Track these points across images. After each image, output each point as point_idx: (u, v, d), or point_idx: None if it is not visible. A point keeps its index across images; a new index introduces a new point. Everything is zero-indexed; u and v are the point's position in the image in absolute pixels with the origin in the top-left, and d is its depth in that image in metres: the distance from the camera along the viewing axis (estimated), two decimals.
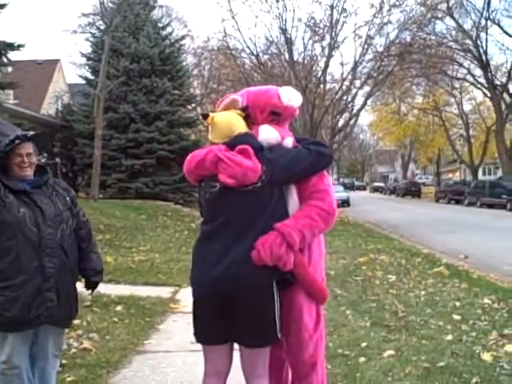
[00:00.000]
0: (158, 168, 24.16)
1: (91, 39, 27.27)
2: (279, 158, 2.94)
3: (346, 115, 34.07)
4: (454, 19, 36.48)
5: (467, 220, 23.22)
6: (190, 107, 30.56)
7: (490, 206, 31.94)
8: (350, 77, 30.48)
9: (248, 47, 31.43)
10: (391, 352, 5.03)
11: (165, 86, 24.72)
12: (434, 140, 54.30)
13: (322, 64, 30.67)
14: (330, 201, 3.03)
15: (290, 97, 3.14)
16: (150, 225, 16.54)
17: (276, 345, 3.03)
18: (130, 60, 24.59)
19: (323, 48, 29.82)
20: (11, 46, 16.52)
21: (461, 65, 40.36)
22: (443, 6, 34.69)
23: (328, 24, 28.96)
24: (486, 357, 4.86)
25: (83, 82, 27.50)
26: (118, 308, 6.70)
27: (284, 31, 29.51)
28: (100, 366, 4.71)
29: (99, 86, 21.60)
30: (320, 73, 30.62)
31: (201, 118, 3.01)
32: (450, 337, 5.53)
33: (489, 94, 39.37)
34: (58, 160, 24.98)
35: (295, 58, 30.60)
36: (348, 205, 37.17)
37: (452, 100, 49.84)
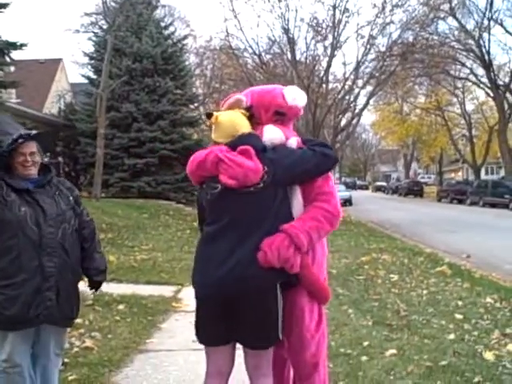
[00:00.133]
0: (160, 167, 24.19)
1: (94, 38, 27.32)
2: (283, 158, 2.91)
3: (348, 115, 34.09)
4: (457, 19, 36.43)
5: (469, 219, 23.19)
6: (192, 107, 30.60)
7: (493, 205, 31.91)
8: (352, 76, 30.45)
9: (250, 47, 31.44)
10: (393, 351, 5.03)
11: (167, 85, 24.75)
12: (437, 139, 54.26)
13: (324, 64, 30.66)
14: (335, 203, 3.02)
15: (295, 96, 3.12)
16: (152, 224, 16.56)
17: (278, 344, 3.02)
18: (132, 59, 24.62)
19: (325, 48, 29.82)
20: (14, 45, 16.55)
21: (463, 64, 40.31)
22: (446, 6, 34.65)
23: (330, 24, 28.94)
24: (489, 356, 4.86)
25: (86, 81, 27.55)
26: (120, 307, 6.70)
27: (286, 31, 29.50)
28: (102, 365, 4.71)
29: (102, 86, 21.62)
30: (322, 72, 30.60)
31: (205, 117, 2.99)
32: (452, 336, 5.53)
33: (491, 94, 39.32)
34: (60, 159, 25.03)
35: (297, 58, 30.60)
36: (350, 204, 37.14)
37: (454, 100, 49.77)
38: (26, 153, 3.24)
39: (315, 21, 29.46)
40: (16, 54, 17.74)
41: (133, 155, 23.88)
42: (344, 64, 32.16)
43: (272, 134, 2.99)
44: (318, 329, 3.10)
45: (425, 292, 7.72)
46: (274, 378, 3.11)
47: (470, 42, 37.54)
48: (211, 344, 3.00)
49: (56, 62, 38.46)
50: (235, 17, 29.85)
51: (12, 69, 21.69)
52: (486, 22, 36.24)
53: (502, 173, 42.55)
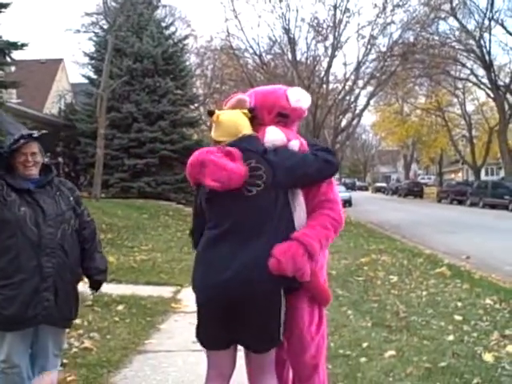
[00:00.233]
0: (160, 168, 24.19)
1: (94, 39, 27.33)
2: (284, 160, 2.88)
3: (348, 115, 34.15)
4: (458, 19, 36.43)
5: (469, 220, 23.19)
6: (192, 107, 30.62)
7: (493, 206, 31.92)
8: (352, 77, 30.51)
9: (251, 47, 31.49)
10: (392, 352, 5.03)
11: (168, 85, 24.76)
12: (437, 140, 54.25)
13: (324, 64, 30.73)
14: (339, 210, 3.03)
15: (299, 98, 3.07)
16: (151, 224, 16.57)
17: (278, 346, 3.02)
18: (133, 59, 24.63)
19: (326, 48, 29.89)
20: (14, 45, 16.53)
21: (464, 65, 40.30)
22: (447, 7, 34.67)
23: (331, 24, 28.98)
24: (488, 357, 4.86)
25: (86, 81, 27.56)
26: (120, 307, 6.70)
27: (287, 31, 29.55)
28: (101, 366, 4.71)
29: (102, 86, 21.63)
30: (323, 73, 30.64)
31: (206, 114, 2.96)
32: (451, 337, 5.53)
33: (492, 95, 39.31)
34: (60, 160, 25.03)
35: (298, 58, 30.65)
36: (350, 205, 37.12)
37: (455, 100, 49.77)
38: (28, 153, 3.24)
39: (316, 21, 29.55)
40: (17, 54, 17.74)
41: (133, 155, 23.89)
42: (345, 64, 32.29)
43: (274, 135, 2.95)
44: (318, 331, 3.10)
45: (424, 293, 7.72)
46: None
47: (471, 42, 37.55)
48: (213, 348, 2.98)
49: (57, 62, 38.49)
50: (236, 17, 29.94)
51: (13, 69, 21.70)
52: (486, 22, 36.25)
53: (502, 174, 42.54)
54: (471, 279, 8.86)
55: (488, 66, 37.36)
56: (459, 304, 7.02)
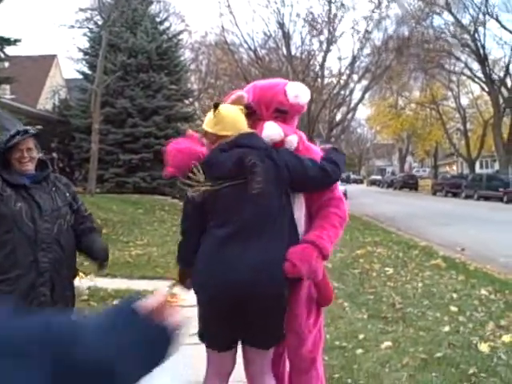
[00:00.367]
0: (155, 162, 24.09)
1: (88, 34, 27.18)
2: (284, 158, 2.86)
3: (343, 109, 34.20)
4: (452, 14, 36.46)
5: (464, 213, 23.25)
6: (187, 102, 30.55)
7: (487, 198, 32.03)
8: (347, 71, 30.57)
9: (246, 42, 31.57)
10: (388, 343, 5.05)
11: (162, 80, 24.70)
12: (432, 133, 54.31)
13: (319, 58, 30.79)
14: (344, 208, 3.07)
15: (297, 93, 3.03)
16: (147, 219, 16.55)
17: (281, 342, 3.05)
18: (127, 55, 24.55)
19: (321, 42, 29.94)
20: (8, 41, 16.49)
21: (458, 59, 40.35)
22: (441, 1, 34.74)
23: (326, 19, 29.04)
24: (483, 347, 4.88)
25: (80, 76, 27.45)
26: (115, 302, 6.70)
27: (282, 26, 29.57)
28: None
29: (96, 81, 21.56)
30: (318, 67, 30.71)
31: (213, 107, 2.92)
32: (447, 328, 5.55)
33: (486, 88, 39.40)
34: (54, 155, 24.97)
35: (293, 53, 30.65)
36: (345, 198, 37.10)
37: (449, 94, 49.79)
38: (24, 149, 3.23)
39: (311, 16, 29.56)
40: (10, 50, 17.70)
41: (128, 151, 23.84)
42: (339, 59, 32.31)
43: (270, 130, 2.92)
44: (315, 325, 3.11)
45: (420, 285, 7.74)
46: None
47: (466, 36, 37.59)
48: (215, 346, 2.96)
49: (50, 58, 38.33)
50: (230, 12, 30.06)
51: (6, 64, 21.60)
52: (481, 16, 36.36)
53: (497, 166, 42.67)
54: (466, 271, 8.90)
55: (482, 59, 37.43)
56: (455, 295, 7.05)
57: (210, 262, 2.85)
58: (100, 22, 25.55)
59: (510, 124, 39.31)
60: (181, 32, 31.29)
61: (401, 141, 71.90)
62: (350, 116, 34.58)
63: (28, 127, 3.36)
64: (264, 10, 44.19)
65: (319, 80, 30.66)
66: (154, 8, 30.09)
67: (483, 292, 7.17)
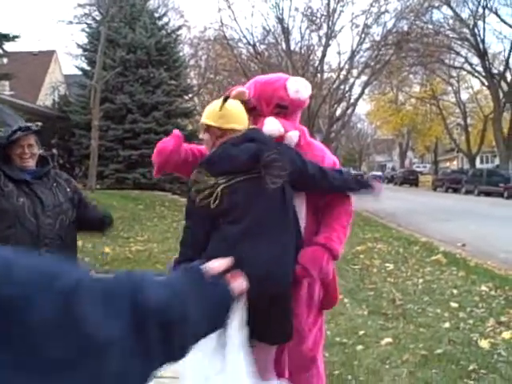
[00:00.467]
0: None
1: (87, 30, 27.16)
2: (287, 155, 2.81)
3: (343, 104, 34.11)
4: (452, 8, 36.39)
5: (464, 208, 23.24)
6: (186, 97, 30.51)
7: (488, 194, 32.01)
8: (347, 66, 30.49)
9: (245, 37, 31.42)
10: (389, 340, 5.05)
11: (161, 76, 24.66)
12: (432, 129, 54.30)
13: (319, 53, 30.72)
14: (350, 204, 3.07)
15: (298, 89, 3.00)
16: (147, 215, 16.54)
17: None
18: (126, 50, 24.50)
19: (320, 37, 29.88)
20: (6, 37, 16.50)
21: (458, 53, 40.27)
22: None
23: (325, 13, 28.97)
24: (484, 344, 4.88)
25: (79, 72, 27.41)
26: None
27: (281, 21, 29.50)
28: None
29: (95, 77, 21.53)
30: (317, 62, 30.63)
31: (223, 100, 2.87)
32: (447, 324, 5.55)
33: (486, 83, 39.31)
34: (54, 151, 24.95)
35: (292, 48, 30.60)
36: None
37: (449, 89, 49.72)
38: (24, 145, 3.24)
39: (310, 10, 29.51)
40: (9, 46, 17.71)
41: (128, 147, 23.81)
42: (339, 53, 32.39)
43: (270, 126, 2.89)
44: (315, 324, 3.11)
45: (420, 281, 7.75)
46: None
47: (465, 30, 37.50)
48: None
49: (50, 54, 38.33)
50: (229, 7, 29.92)
51: (5, 61, 21.60)
52: (480, 10, 36.26)
53: (497, 161, 42.66)
54: (467, 266, 8.89)
55: (482, 54, 37.35)
56: (455, 291, 7.05)
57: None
58: (98, 18, 25.56)
59: (510, 119, 39.25)
60: (180, 27, 31.23)
61: (401, 136, 71.82)
62: (349, 111, 34.49)
63: (30, 124, 3.36)
64: (263, 4, 44.11)
65: (319, 75, 30.62)
66: (152, 3, 30.10)
67: (483, 288, 7.17)
